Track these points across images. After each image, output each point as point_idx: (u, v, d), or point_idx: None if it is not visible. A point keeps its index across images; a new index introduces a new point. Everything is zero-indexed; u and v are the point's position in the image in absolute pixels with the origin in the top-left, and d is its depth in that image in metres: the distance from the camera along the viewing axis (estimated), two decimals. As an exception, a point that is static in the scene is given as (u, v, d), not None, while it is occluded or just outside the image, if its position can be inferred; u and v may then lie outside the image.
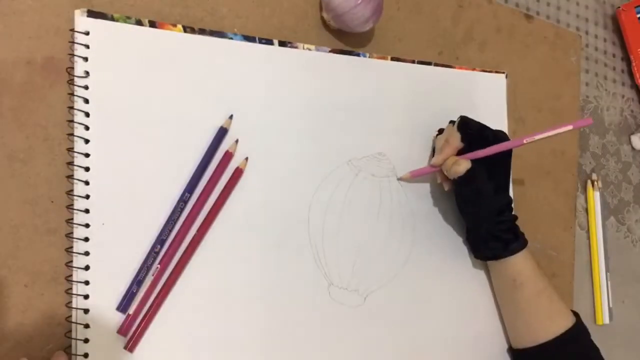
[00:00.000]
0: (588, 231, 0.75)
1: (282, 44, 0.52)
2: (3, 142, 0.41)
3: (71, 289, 0.41)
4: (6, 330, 0.39)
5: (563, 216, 0.70)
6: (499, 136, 0.54)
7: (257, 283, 0.48)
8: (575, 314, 0.54)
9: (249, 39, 0.51)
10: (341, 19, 0.53)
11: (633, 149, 0.82)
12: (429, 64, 0.61)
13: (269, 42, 0.52)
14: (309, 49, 0.53)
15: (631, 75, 0.84)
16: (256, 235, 0.49)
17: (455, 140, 0.53)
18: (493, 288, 0.59)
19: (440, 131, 0.58)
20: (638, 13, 0.82)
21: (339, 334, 0.51)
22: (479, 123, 0.54)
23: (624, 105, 0.83)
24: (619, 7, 0.83)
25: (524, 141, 0.51)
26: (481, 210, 0.53)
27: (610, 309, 0.73)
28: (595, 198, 0.75)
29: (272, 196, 0.50)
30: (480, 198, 0.52)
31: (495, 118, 0.65)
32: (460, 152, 0.53)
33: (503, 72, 0.67)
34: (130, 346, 0.42)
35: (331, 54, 0.55)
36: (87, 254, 0.42)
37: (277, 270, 0.49)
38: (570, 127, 0.51)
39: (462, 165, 0.51)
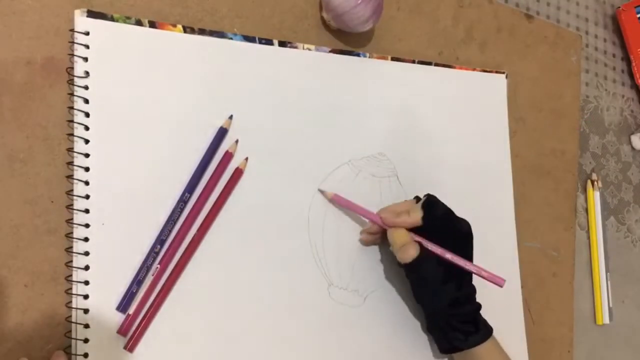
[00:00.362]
0: (588, 231, 0.75)
1: (282, 44, 0.52)
2: (3, 142, 0.41)
3: (71, 289, 0.41)
4: (6, 330, 0.39)
5: (563, 216, 0.70)
6: (461, 228, 0.51)
7: (257, 283, 0.48)
8: None
9: (248, 39, 0.51)
10: (341, 18, 0.53)
11: (633, 149, 0.82)
12: (429, 64, 0.61)
13: (269, 42, 0.52)
14: (309, 49, 0.53)
15: (631, 75, 0.84)
16: (256, 236, 0.48)
17: (416, 216, 0.49)
18: None
19: (417, 199, 0.53)
20: (638, 13, 0.82)
21: (339, 334, 0.51)
22: (445, 207, 0.51)
23: (624, 105, 0.83)
24: (619, 7, 0.83)
25: (473, 270, 0.49)
26: (432, 300, 0.50)
27: (610, 309, 0.73)
28: (595, 198, 0.75)
29: (272, 196, 0.50)
30: (428, 287, 0.49)
31: (496, 118, 0.65)
32: (416, 230, 0.50)
33: (503, 72, 0.67)
34: (130, 346, 0.42)
35: (331, 54, 0.55)
36: (87, 254, 0.41)
37: (276, 270, 0.49)
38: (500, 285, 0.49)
39: (409, 254, 0.48)
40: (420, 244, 0.49)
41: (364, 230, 0.53)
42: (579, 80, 0.75)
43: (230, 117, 0.48)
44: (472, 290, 0.51)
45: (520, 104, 0.68)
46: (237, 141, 0.48)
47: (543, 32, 0.72)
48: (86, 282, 0.41)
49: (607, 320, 0.73)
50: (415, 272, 0.49)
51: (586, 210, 0.75)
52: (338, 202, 0.52)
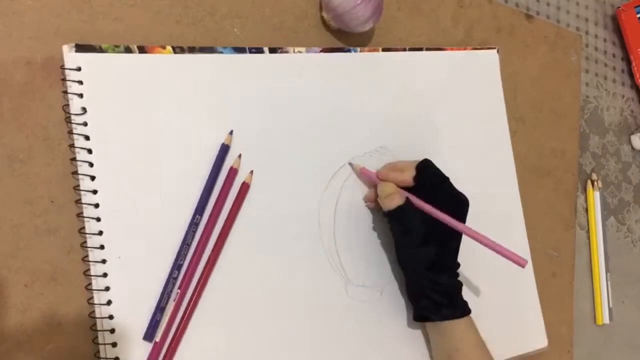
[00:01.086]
0: (588, 231, 0.75)
1: (272, 50, 0.52)
2: (3, 142, 0.41)
3: (95, 324, 0.41)
4: (6, 330, 0.39)
5: (563, 216, 0.70)
6: (456, 196, 0.50)
7: (275, 292, 0.48)
8: None
9: (238, 50, 0.50)
10: (341, 18, 0.53)
11: (633, 149, 0.82)
12: (419, 49, 0.61)
13: (260, 50, 0.51)
14: (300, 52, 0.53)
15: (631, 75, 0.84)
16: (269, 246, 0.49)
17: (408, 175, 0.50)
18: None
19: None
20: (638, 13, 0.82)
21: (361, 330, 0.51)
22: (440, 173, 0.50)
23: (624, 105, 0.83)
24: (619, 7, 0.83)
25: (471, 229, 0.48)
26: (409, 257, 0.49)
27: (610, 309, 0.73)
28: (595, 198, 0.75)
29: (280, 205, 0.50)
30: (408, 241, 0.49)
31: (491, 94, 0.66)
32: (408, 190, 0.50)
33: (494, 48, 0.67)
34: None
35: (322, 54, 0.54)
36: (107, 289, 0.42)
37: (293, 277, 0.49)
38: (521, 265, 0.47)
39: (395, 200, 0.48)
40: (407, 198, 0.49)
41: (365, 197, 0.54)
42: (579, 80, 0.75)
43: (231, 133, 0.48)
44: (454, 264, 0.50)
45: (520, 104, 0.68)
46: (240, 156, 0.48)
47: (543, 32, 0.72)
48: (110, 317, 0.41)
49: (607, 320, 0.73)
50: (397, 222, 0.49)
51: (586, 210, 0.75)
52: (364, 174, 0.53)
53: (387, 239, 0.54)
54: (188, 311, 0.44)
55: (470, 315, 0.50)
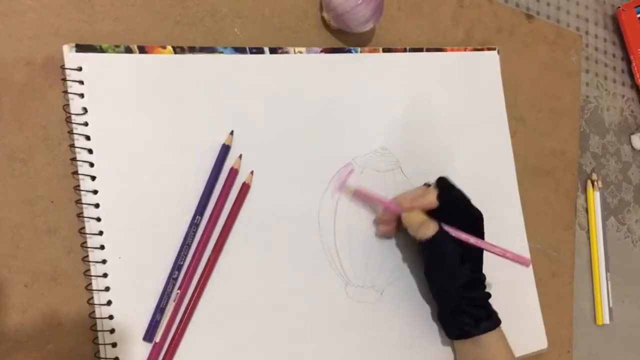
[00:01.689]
0: (588, 231, 0.75)
1: (273, 51, 0.52)
2: (3, 142, 0.41)
3: (95, 324, 0.41)
4: (6, 330, 0.39)
5: (563, 216, 0.70)
6: (476, 213, 0.51)
7: (274, 292, 0.48)
8: None
9: (239, 50, 0.50)
10: (341, 19, 0.53)
11: (633, 149, 0.82)
12: (420, 50, 0.61)
13: (260, 50, 0.51)
14: (300, 52, 0.53)
15: (631, 75, 0.84)
16: (268, 246, 0.49)
17: (432, 197, 0.50)
18: None
19: (426, 185, 0.53)
20: (638, 13, 0.82)
21: (360, 331, 0.51)
22: (458, 188, 0.51)
23: (624, 105, 0.83)
24: (619, 7, 0.83)
25: (497, 252, 0.50)
26: (448, 280, 0.50)
27: (610, 309, 0.73)
28: (595, 198, 0.75)
29: (280, 205, 0.50)
30: (445, 266, 0.49)
31: (491, 95, 0.66)
32: (431, 213, 0.50)
33: (494, 48, 0.67)
34: None
35: (322, 54, 0.54)
36: (107, 289, 0.42)
37: (292, 278, 0.49)
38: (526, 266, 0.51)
39: (431, 228, 0.48)
40: (440, 224, 0.49)
41: (378, 219, 0.53)
42: (579, 80, 0.75)
43: (231, 133, 0.48)
44: (484, 276, 0.51)
45: (520, 104, 0.68)
46: (240, 156, 0.48)
47: (543, 32, 0.72)
48: (110, 317, 0.41)
49: (607, 320, 0.73)
50: (433, 249, 0.49)
51: (586, 210, 0.75)
52: (358, 196, 0.53)
53: (388, 241, 0.54)
54: (188, 312, 0.44)
55: None
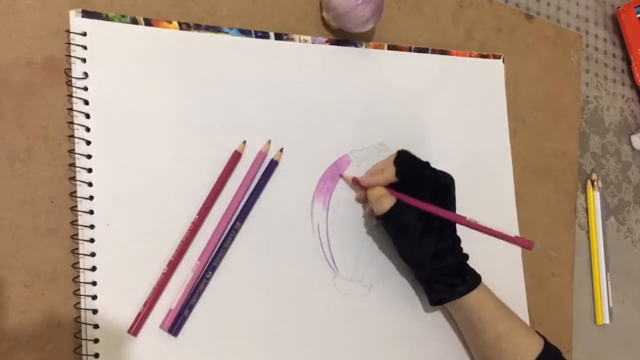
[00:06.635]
0: (588, 231, 0.75)
1: (278, 36, 0.52)
2: (3, 142, 0.41)
3: (79, 289, 0.41)
4: (6, 330, 0.39)
5: (563, 216, 0.70)
6: (440, 181, 0.50)
7: (264, 280, 0.48)
8: (544, 339, 0.52)
9: (244, 32, 0.51)
10: (342, 19, 0.53)
11: (633, 149, 0.82)
12: (425, 51, 0.61)
13: (265, 35, 0.52)
14: (305, 41, 0.53)
15: (631, 75, 0.84)
16: (261, 233, 0.49)
17: (389, 172, 0.50)
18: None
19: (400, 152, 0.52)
20: (638, 13, 0.82)
21: (346, 325, 0.51)
22: (419, 161, 0.51)
23: (624, 105, 0.83)
24: (619, 7, 0.83)
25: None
26: (414, 252, 0.50)
27: (610, 309, 0.73)
28: (595, 198, 0.75)
29: (275, 192, 0.50)
30: (407, 239, 0.49)
31: (494, 103, 0.66)
32: (394, 187, 0.50)
33: (500, 57, 0.66)
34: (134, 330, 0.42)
35: (327, 45, 0.55)
36: (93, 254, 0.42)
37: (283, 266, 0.49)
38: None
39: (385, 203, 0.48)
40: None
41: (356, 198, 0.54)
42: (579, 80, 0.75)
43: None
44: (455, 241, 0.50)
45: (520, 104, 0.68)
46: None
47: (543, 32, 0.72)
48: (94, 283, 0.41)
49: (607, 320, 0.73)
50: (392, 223, 0.49)
51: (586, 210, 0.75)
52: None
53: (378, 236, 0.54)
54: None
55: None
